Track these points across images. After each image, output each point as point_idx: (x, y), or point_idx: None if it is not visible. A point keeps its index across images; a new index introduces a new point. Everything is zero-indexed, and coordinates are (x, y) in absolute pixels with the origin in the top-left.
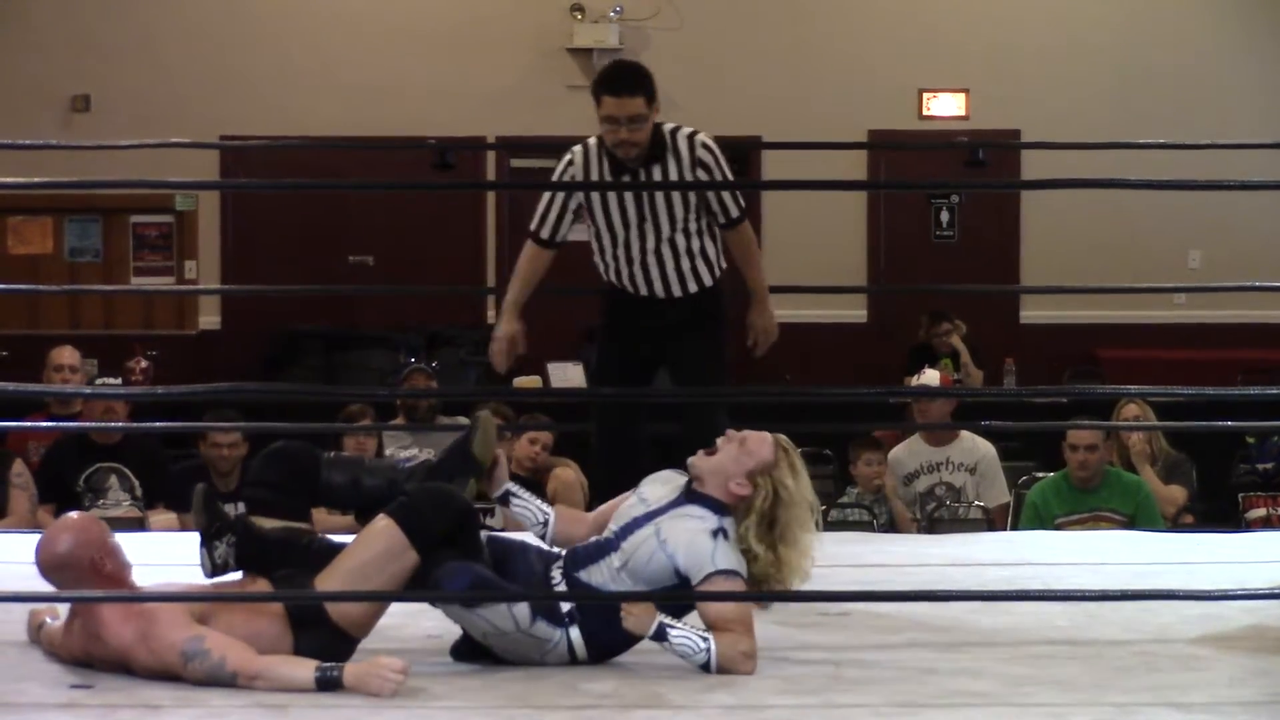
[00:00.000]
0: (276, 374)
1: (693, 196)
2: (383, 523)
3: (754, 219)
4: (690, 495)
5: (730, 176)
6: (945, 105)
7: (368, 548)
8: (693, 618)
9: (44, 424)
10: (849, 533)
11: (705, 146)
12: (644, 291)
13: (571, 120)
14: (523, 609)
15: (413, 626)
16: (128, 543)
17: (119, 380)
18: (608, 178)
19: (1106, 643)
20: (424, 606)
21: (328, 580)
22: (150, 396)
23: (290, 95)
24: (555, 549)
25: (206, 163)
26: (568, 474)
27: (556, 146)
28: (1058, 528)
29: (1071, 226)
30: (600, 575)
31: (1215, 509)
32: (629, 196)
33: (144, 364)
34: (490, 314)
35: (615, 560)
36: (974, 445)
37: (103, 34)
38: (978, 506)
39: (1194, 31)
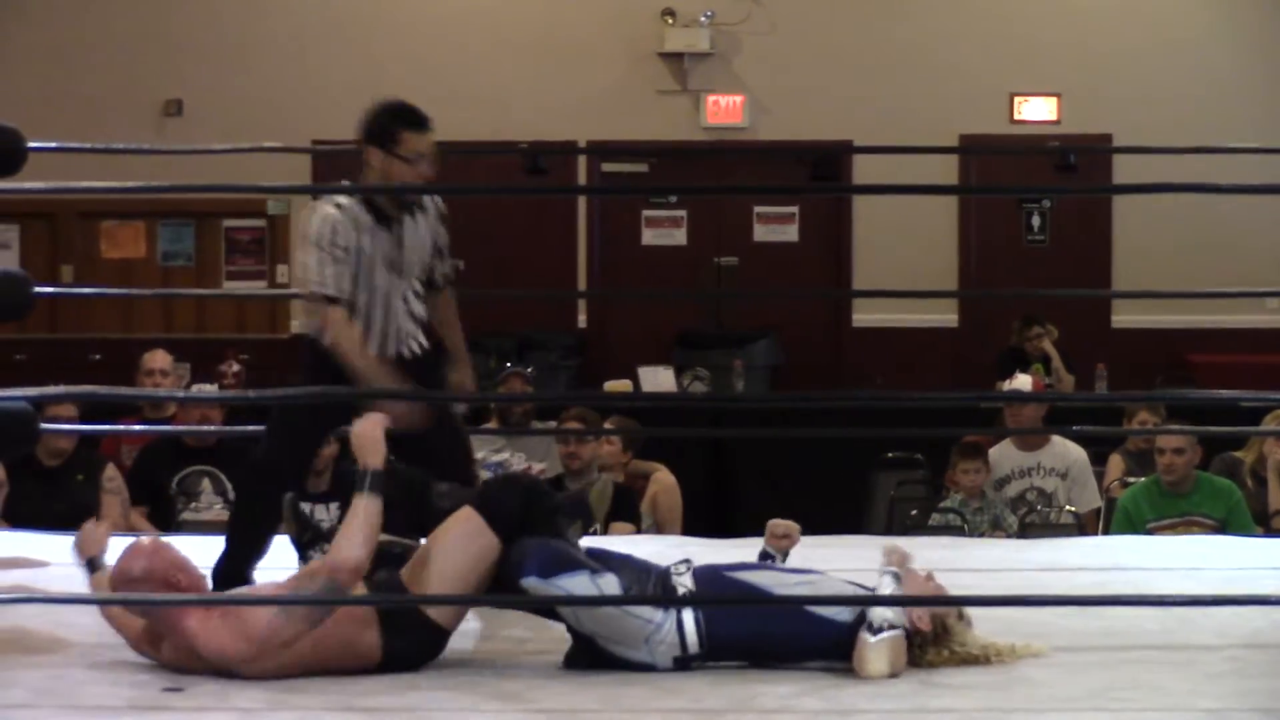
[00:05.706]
0: None
1: (435, 248)
2: (473, 523)
3: (844, 222)
4: None
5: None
6: (1036, 109)
7: (463, 551)
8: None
9: (137, 428)
10: (940, 537)
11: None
12: (390, 352)
13: (662, 125)
14: (610, 577)
15: (503, 630)
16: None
17: (214, 385)
18: (370, 228)
19: (1198, 648)
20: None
21: (425, 581)
22: (243, 400)
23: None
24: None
25: (298, 167)
26: (667, 478)
27: (648, 151)
28: (1149, 532)
29: (1163, 230)
30: (767, 580)
31: None
32: (395, 246)
33: (236, 368)
34: (581, 318)
35: (791, 578)
36: (1065, 450)
37: (195, 39)
38: (1069, 511)
39: None
